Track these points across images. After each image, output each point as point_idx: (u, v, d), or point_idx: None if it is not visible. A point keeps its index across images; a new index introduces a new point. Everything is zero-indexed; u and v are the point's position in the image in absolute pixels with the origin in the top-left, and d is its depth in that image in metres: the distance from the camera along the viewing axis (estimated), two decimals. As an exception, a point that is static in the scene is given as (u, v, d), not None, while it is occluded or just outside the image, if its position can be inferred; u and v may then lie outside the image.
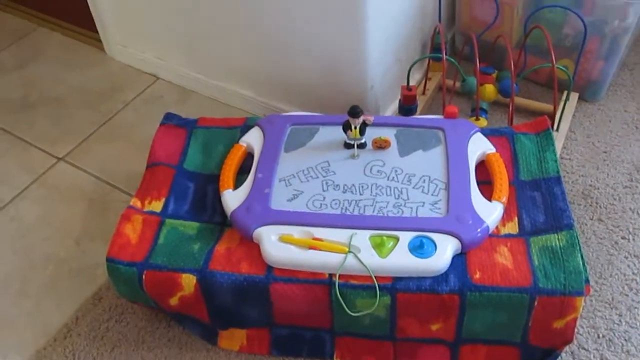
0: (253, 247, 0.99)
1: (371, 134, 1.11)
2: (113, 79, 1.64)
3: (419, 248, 0.94)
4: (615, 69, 1.43)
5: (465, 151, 1.08)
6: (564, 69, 1.21)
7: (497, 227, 1.00)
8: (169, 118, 1.24)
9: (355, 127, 1.08)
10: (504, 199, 1.02)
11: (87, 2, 1.62)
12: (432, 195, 1.02)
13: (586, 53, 1.37)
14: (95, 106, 1.56)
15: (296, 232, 0.98)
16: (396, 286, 0.92)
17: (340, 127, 1.11)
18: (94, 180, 1.37)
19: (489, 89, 1.28)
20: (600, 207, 1.21)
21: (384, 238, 0.95)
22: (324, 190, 1.04)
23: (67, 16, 1.76)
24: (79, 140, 1.47)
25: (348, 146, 1.11)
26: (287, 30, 1.27)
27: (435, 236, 0.95)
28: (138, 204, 1.08)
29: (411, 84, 1.28)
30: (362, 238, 0.96)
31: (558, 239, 0.96)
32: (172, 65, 1.57)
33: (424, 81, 1.45)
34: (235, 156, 1.12)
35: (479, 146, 1.10)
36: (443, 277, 0.93)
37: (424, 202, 1.01)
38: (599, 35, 1.35)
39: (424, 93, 1.44)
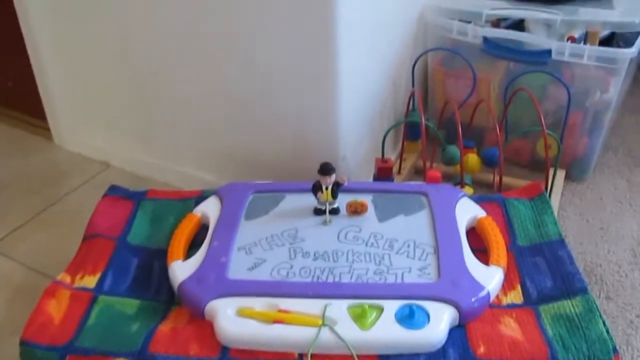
0: (205, 326, 0.80)
1: (345, 199, 0.97)
2: (60, 166, 1.50)
3: (408, 318, 0.77)
4: (600, 147, 1.35)
5: (453, 215, 0.95)
6: (552, 133, 1.11)
7: (497, 297, 0.85)
8: (114, 190, 1.09)
9: (327, 188, 0.94)
10: (503, 264, 0.87)
11: (37, 88, 1.51)
12: (419, 260, 0.87)
13: (570, 127, 1.29)
14: (37, 193, 1.40)
15: (258, 304, 0.80)
16: (383, 366, 0.74)
17: (309, 195, 0.97)
18: (24, 269, 1.18)
19: (472, 159, 1.17)
20: (606, 284, 1.06)
21: (366, 308, 0.78)
22: (291, 258, 0.88)
23: (13, 103, 1.65)
24: (12, 227, 1.29)
25: (318, 212, 0.97)
26: (252, 102, 1.16)
27: (427, 304, 0.79)
28: (67, 279, 0.89)
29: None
30: (339, 309, 0.79)
31: (572, 305, 0.81)
32: (124, 150, 1.45)
33: (399, 161, 1.34)
34: (187, 226, 0.97)
35: (468, 210, 0.97)
36: (440, 353, 0.75)
37: (410, 268, 0.85)
38: (581, 109, 1.28)
39: (399, 173, 1.33)
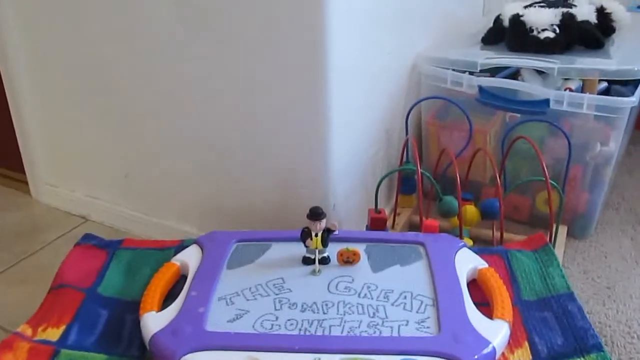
0: (178, 383, 0.72)
1: (336, 248, 0.90)
2: (36, 220, 1.42)
3: (405, 376, 0.69)
4: (601, 204, 1.29)
5: (452, 266, 0.88)
6: (555, 184, 1.06)
7: (504, 355, 0.77)
8: (87, 238, 1.01)
9: (317, 235, 0.87)
10: (509, 318, 0.79)
11: (16, 141, 1.46)
12: (417, 312, 0.79)
13: (570, 181, 1.24)
14: (8, 247, 1.31)
15: (238, 358, 0.72)
16: None
17: (297, 244, 0.90)
18: (-12, 326, 1.08)
19: (471, 210, 1.11)
20: (617, 346, 0.98)
21: (358, 365, 0.70)
22: (276, 309, 0.80)
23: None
24: (-23, 283, 1.20)
25: (307, 261, 0.89)
26: (238, 151, 1.11)
27: (426, 360, 0.71)
28: (28, 332, 0.81)
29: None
30: (329, 365, 0.70)
31: (587, 364, 0.73)
32: (103, 204, 1.38)
33: (392, 216, 1.28)
34: (164, 276, 0.89)
35: (469, 261, 0.90)
36: (442, 415, 0.66)
37: (407, 321, 0.78)
38: (581, 163, 1.23)
39: (393, 227, 1.26)
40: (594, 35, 1.27)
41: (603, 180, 1.26)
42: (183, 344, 0.73)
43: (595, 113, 1.15)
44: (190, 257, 0.92)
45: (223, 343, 0.74)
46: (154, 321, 0.79)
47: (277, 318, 0.79)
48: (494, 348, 0.73)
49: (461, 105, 1.19)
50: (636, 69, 1.12)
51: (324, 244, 0.88)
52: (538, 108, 1.18)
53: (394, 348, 0.72)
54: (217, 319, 0.78)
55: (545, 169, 1.05)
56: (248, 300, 0.82)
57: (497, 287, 0.84)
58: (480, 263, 0.90)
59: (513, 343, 0.79)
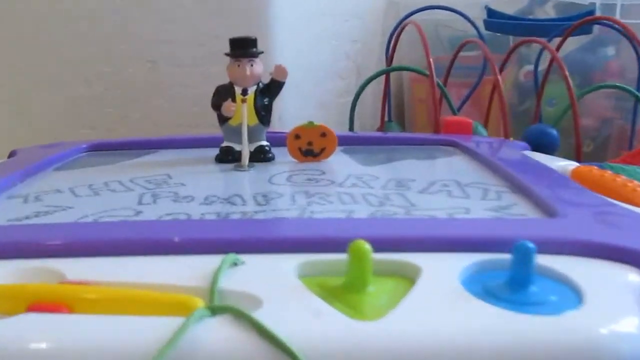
0: None
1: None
2: None
3: (509, 290, 0.21)
4: None
5: (525, 158, 0.44)
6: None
7: None
8: None
9: (245, 92, 0.41)
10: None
11: None
12: (482, 200, 0.33)
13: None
14: None
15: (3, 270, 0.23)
16: None
17: (209, 150, 0.44)
18: None
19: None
20: None
21: (366, 261, 0.22)
22: (141, 204, 0.33)
23: None
24: None
25: (225, 155, 0.43)
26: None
27: (555, 262, 0.24)
28: None
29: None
30: (275, 271, 0.23)
31: None
32: None
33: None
34: None
35: (550, 161, 0.46)
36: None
37: (467, 209, 0.31)
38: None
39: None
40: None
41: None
42: None
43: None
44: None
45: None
46: None
47: (138, 213, 0.31)
48: None
49: (468, 16, 0.79)
50: None
51: (261, 117, 0.42)
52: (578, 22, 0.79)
53: (461, 234, 0.26)
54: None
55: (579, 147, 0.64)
56: (78, 196, 0.35)
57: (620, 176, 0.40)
58: (566, 162, 0.46)
59: None
